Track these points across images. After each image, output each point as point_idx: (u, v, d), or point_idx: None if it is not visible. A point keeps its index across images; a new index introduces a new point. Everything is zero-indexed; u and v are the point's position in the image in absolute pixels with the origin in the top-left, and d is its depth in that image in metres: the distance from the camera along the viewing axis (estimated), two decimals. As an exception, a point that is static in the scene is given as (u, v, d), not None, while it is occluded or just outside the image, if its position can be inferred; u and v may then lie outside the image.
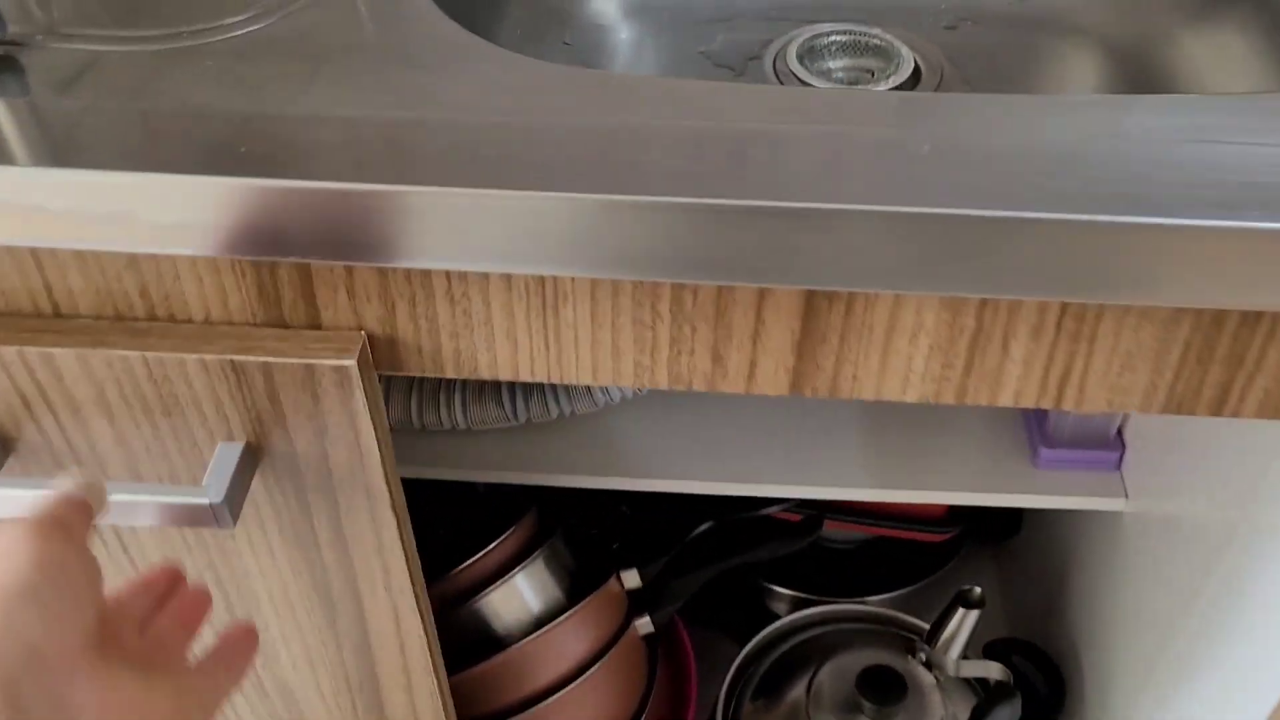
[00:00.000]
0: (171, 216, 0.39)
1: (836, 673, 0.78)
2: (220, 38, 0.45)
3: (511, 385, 0.78)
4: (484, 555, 0.81)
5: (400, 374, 0.46)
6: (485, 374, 0.46)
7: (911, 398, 0.44)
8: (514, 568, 0.80)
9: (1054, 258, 0.37)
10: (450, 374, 0.46)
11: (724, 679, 0.85)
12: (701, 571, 0.84)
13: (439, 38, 0.46)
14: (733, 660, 0.87)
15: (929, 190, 0.37)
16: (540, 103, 0.41)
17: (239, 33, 0.46)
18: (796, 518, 0.85)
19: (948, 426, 0.80)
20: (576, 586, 0.83)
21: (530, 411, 0.79)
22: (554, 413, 0.79)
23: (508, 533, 0.82)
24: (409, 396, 0.79)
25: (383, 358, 0.46)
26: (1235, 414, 0.43)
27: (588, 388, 0.78)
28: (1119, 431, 0.77)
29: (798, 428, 0.80)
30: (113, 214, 0.39)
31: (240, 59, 0.44)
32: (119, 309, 0.45)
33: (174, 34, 0.45)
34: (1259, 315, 0.40)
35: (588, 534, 0.93)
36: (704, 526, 0.85)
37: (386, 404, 0.78)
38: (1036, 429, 0.78)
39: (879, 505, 0.90)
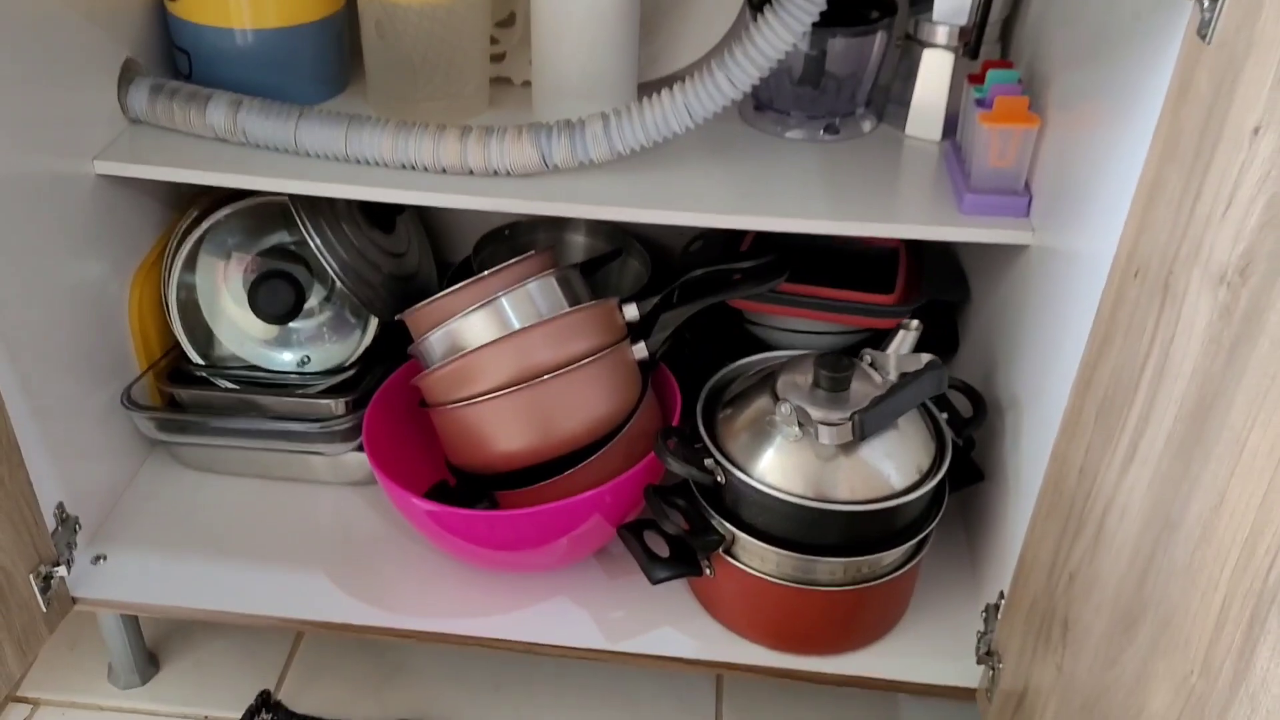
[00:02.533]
0: None
1: (795, 368, 0.93)
2: None
3: (548, 138, 0.96)
4: (505, 268, 0.97)
5: None
6: None
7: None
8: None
9: None
10: None
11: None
12: (688, 307, 1.00)
13: None
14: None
15: None
16: None
17: None
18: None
19: (889, 182, 1.00)
20: (585, 311, 0.98)
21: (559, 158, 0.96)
22: (576, 159, 0.97)
23: (527, 254, 0.98)
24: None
25: None
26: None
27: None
28: (1026, 183, 0.96)
29: (769, 174, 0.99)
30: None
31: None
32: None
33: None
34: None
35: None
36: (692, 274, 1.02)
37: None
38: (962, 182, 0.97)
39: (834, 295, 1.07)
